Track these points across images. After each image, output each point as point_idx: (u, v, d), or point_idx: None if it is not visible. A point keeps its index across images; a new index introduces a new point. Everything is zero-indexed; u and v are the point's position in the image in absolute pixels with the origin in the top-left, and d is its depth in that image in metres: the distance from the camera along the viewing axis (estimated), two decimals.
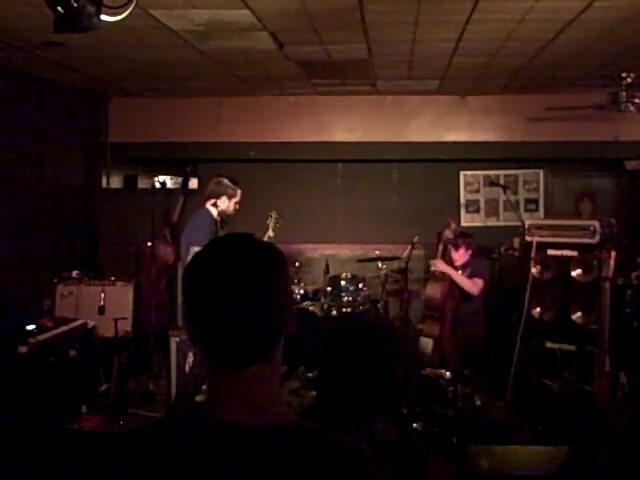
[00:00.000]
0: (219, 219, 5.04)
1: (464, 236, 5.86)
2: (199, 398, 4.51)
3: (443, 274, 5.69)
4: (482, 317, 5.84)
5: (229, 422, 1.11)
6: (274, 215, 5.85)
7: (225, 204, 5.03)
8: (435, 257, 5.86)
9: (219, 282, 1.13)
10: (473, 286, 5.63)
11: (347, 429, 1.57)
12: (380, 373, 1.74)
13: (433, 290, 5.71)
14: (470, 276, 5.67)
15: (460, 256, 5.77)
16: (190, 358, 4.77)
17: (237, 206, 5.16)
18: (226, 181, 5.07)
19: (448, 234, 5.82)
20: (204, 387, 5.31)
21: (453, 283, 5.65)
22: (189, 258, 5.31)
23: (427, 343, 5.59)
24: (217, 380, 1.16)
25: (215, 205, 5.10)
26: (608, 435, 1.65)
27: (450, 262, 5.76)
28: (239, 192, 5.12)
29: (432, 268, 5.83)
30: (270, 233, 5.67)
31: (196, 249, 4.60)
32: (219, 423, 1.12)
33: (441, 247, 5.86)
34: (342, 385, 1.73)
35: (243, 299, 1.12)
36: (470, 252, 5.81)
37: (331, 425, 1.37)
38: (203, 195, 5.28)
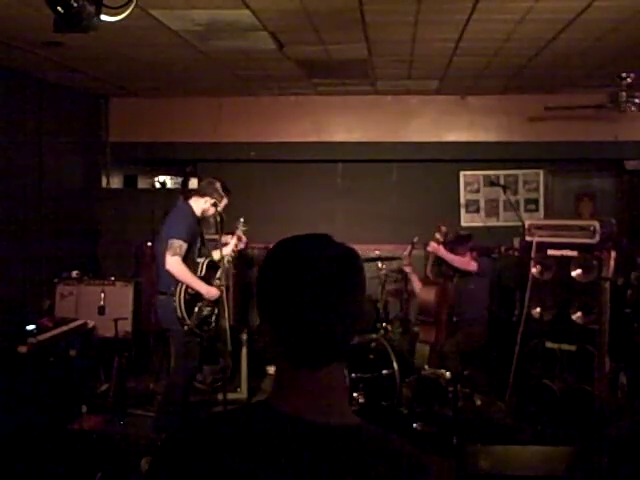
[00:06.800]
0: (200, 217, 4.95)
1: (460, 240, 5.70)
2: None
3: (435, 279, 5.62)
4: (485, 319, 5.75)
5: (306, 419, 1.11)
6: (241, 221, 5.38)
7: (207, 205, 4.91)
8: (428, 259, 5.78)
9: (307, 283, 1.13)
10: (468, 264, 5.53)
11: None
12: None
13: (426, 295, 5.61)
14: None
15: (464, 263, 5.63)
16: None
17: (217, 210, 4.95)
18: (218, 185, 4.94)
19: (438, 238, 5.62)
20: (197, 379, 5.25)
21: (446, 286, 5.61)
22: (170, 251, 5.12)
23: (423, 349, 5.55)
24: (290, 379, 1.15)
25: (199, 202, 4.94)
26: (609, 441, 1.66)
27: (444, 269, 5.68)
28: (225, 201, 4.98)
29: (428, 248, 5.64)
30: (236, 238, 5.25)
31: (176, 242, 4.53)
32: (296, 419, 1.11)
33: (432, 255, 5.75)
34: None
35: (331, 300, 1.13)
36: (471, 254, 5.69)
37: None
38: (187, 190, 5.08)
